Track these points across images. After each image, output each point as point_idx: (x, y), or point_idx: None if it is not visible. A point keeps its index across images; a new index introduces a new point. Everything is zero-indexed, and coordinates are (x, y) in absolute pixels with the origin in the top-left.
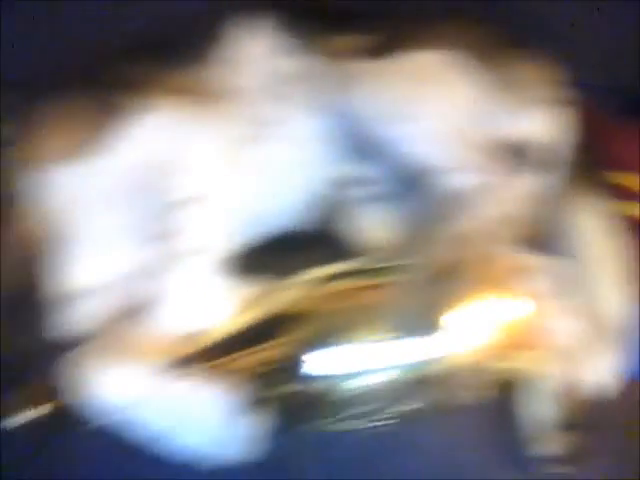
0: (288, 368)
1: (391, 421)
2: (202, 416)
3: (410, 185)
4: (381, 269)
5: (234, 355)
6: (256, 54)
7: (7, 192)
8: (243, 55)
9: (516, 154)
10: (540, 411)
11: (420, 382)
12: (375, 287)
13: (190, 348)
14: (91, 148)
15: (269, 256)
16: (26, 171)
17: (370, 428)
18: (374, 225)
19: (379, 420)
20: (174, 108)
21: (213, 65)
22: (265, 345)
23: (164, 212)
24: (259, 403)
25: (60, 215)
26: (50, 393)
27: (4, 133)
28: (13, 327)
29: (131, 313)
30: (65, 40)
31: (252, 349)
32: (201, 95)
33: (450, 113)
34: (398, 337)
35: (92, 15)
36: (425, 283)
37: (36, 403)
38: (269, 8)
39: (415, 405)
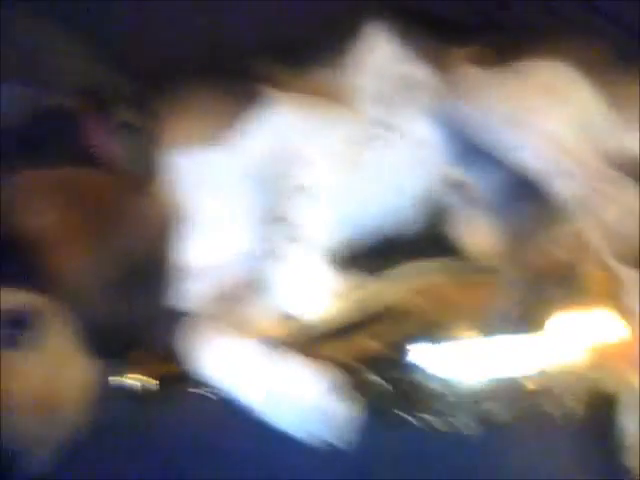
0: (384, 359)
1: (478, 424)
2: (299, 395)
3: (517, 191)
4: (482, 269)
5: (333, 341)
6: (378, 60)
7: (144, 170)
8: (367, 60)
9: (622, 169)
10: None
11: (513, 386)
12: (475, 286)
13: (292, 330)
14: (221, 136)
15: (373, 252)
16: (161, 153)
17: (456, 428)
18: (478, 228)
19: (467, 421)
20: (300, 104)
21: (339, 67)
22: (363, 334)
23: (280, 200)
24: (353, 389)
25: (187, 196)
26: (162, 359)
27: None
28: (137, 293)
29: (240, 292)
30: (208, 34)
31: (350, 337)
32: (326, 94)
33: (561, 123)
34: (495, 337)
35: (233, 12)
36: (526, 287)
37: (148, 367)
38: (393, 17)
39: (505, 410)
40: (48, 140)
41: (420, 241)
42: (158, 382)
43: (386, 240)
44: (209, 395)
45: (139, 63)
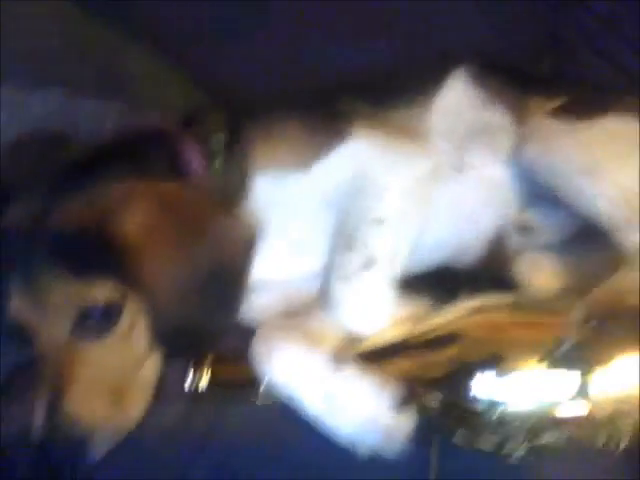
0: (442, 383)
1: (528, 454)
2: (359, 408)
3: (584, 236)
4: (544, 308)
5: (394, 361)
6: (457, 103)
7: (233, 191)
8: (446, 103)
9: None
10: None
11: (564, 420)
12: (536, 323)
13: (354, 347)
14: (305, 164)
15: (435, 283)
16: (249, 176)
17: (511, 455)
18: (542, 270)
19: (521, 449)
20: (380, 139)
21: (419, 108)
22: (424, 358)
23: (356, 228)
24: (408, 406)
25: (268, 215)
26: (228, 364)
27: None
28: (211, 302)
29: (307, 308)
30: (298, 71)
31: (411, 360)
32: (404, 132)
33: (634, 174)
34: (550, 372)
35: (322, 51)
36: (588, 327)
37: (213, 371)
38: (475, 65)
39: (556, 441)
40: (149, 156)
41: (481, 277)
42: (221, 386)
43: (449, 273)
44: (271, 403)
45: (232, 95)
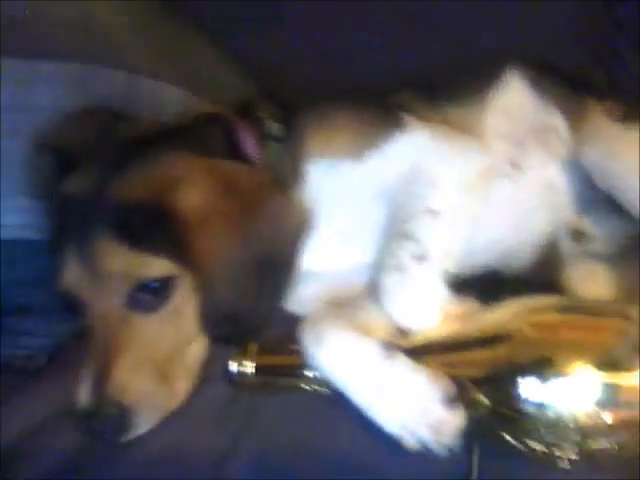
0: (491, 382)
1: (578, 460)
2: (409, 400)
3: (637, 248)
4: (594, 310)
5: (442, 356)
6: (515, 104)
7: (287, 177)
8: (504, 103)
9: None
10: None
11: (616, 425)
12: (585, 325)
13: (402, 340)
14: (359, 152)
15: (483, 286)
16: (303, 162)
17: (555, 460)
18: (592, 277)
19: (567, 454)
20: (437, 133)
21: (476, 107)
22: (473, 356)
23: (410, 219)
24: (459, 402)
25: (320, 203)
26: (273, 351)
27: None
28: (262, 285)
29: (355, 299)
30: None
31: (460, 356)
32: (460, 129)
33: None
34: (601, 375)
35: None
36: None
37: (260, 357)
38: (534, 68)
39: (608, 447)
40: (207, 138)
41: (530, 283)
42: (265, 374)
43: (497, 278)
44: (315, 391)
45: (284, 86)
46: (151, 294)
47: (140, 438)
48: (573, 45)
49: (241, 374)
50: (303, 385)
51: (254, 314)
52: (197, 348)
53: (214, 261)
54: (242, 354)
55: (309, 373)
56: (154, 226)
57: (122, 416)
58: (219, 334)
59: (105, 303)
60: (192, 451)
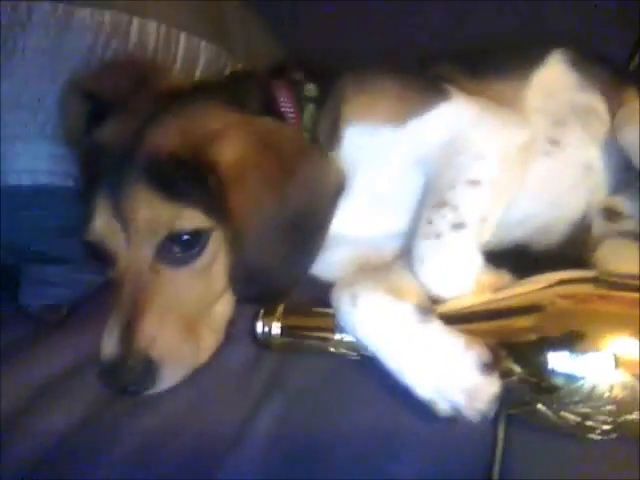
0: (525, 353)
1: (611, 432)
2: (443, 364)
3: None
4: (626, 283)
5: (471, 325)
6: (557, 85)
7: (324, 139)
8: (546, 83)
9: None
10: None
11: None
12: (621, 297)
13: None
14: (400, 119)
15: (515, 261)
16: (341, 126)
17: (587, 431)
18: (625, 256)
19: (599, 425)
20: (479, 104)
21: (518, 84)
22: (500, 324)
23: (448, 187)
24: (494, 369)
25: (357, 168)
26: (303, 313)
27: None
28: (294, 246)
29: (387, 266)
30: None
31: (494, 325)
32: (501, 103)
33: None
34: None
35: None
36: None
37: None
38: (576, 52)
39: None
40: (245, 95)
41: (561, 259)
42: (291, 335)
43: (528, 253)
44: (345, 354)
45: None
46: (182, 247)
47: (163, 394)
48: (609, 25)
49: (267, 334)
50: (331, 348)
51: (283, 276)
52: (224, 306)
53: (247, 217)
54: (269, 314)
55: (338, 336)
56: (189, 178)
57: (148, 368)
58: (247, 293)
59: (135, 253)
60: (215, 410)
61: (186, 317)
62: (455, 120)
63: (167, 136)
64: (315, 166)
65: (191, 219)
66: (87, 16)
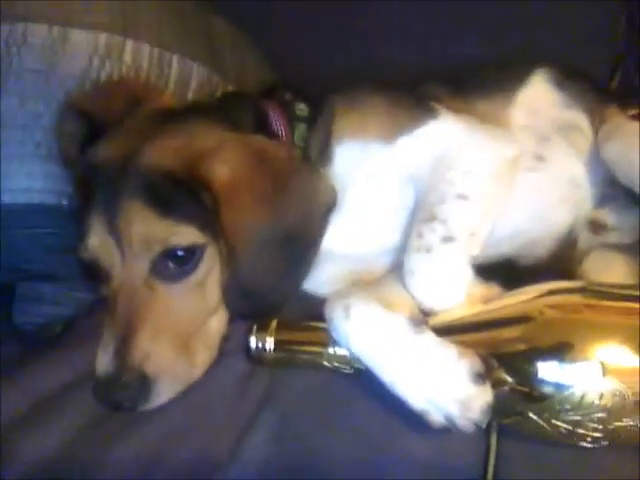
0: (515, 363)
1: (602, 439)
2: (436, 375)
3: None
4: (618, 292)
5: (461, 336)
6: (540, 102)
7: (315, 157)
8: (530, 100)
9: None
10: None
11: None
12: (611, 307)
13: (428, 317)
14: (388, 135)
15: (502, 271)
16: (332, 143)
17: (578, 439)
18: (610, 270)
19: (590, 433)
20: (465, 121)
21: (502, 102)
22: (489, 335)
23: (438, 202)
24: (486, 379)
25: (347, 184)
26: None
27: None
28: (286, 263)
29: (380, 279)
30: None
31: (484, 336)
32: (487, 121)
33: None
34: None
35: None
36: None
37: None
38: (558, 70)
39: (632, 428)
40: (238, 114)
41: (548, 274)
42: (284, 350)
43: (513, 264)
44: (339, 368)
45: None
46: (176, 263)
47: (158, 409)
48: (590, 44)
49: (261, 350)
50: (324, 362)
51: (276, 291)
52: (218, 322)
53: (241, 234)
54: (262, 329)
55: (331, 350)
56: (184, 195)
57: (143, 384)
58: (240, 309)
59: (129, 269)
60: (209, 426)
61: (180, 333)
62: (443, 137)
63: (162, 154)
64: (307, 183)
65: (186, 235)
66: (82, 38)
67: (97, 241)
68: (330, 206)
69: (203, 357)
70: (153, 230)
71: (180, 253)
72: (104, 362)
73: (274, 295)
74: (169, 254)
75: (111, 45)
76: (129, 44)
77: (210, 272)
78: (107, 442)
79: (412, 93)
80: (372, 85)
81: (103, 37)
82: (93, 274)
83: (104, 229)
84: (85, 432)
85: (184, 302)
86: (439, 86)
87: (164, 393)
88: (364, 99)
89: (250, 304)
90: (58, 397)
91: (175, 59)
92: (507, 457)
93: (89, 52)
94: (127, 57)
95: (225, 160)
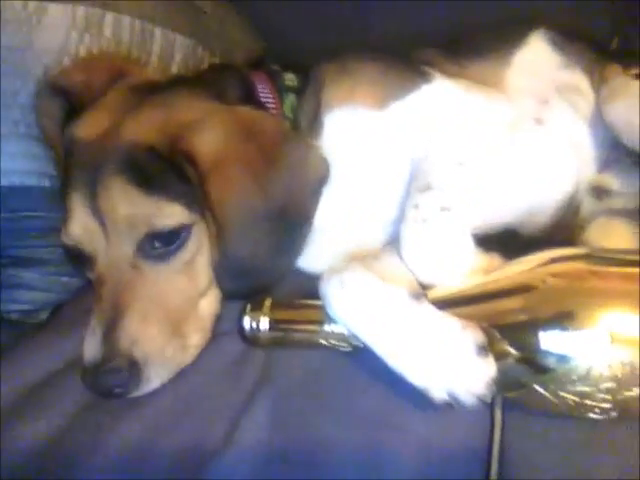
0: (517, 334)
1: (611, 410)
2: (437, 350)
3: None
4: (618, 258)
5: (462, 308)
6: (539, 64)
7: (305, 126)
8: (528, 62)
9: None
10: None
11: None
12: (615, 273)
13: (427, 290)
14: (381, 103)
15: (504, 241)
16: (322, 113)
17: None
18: (614, 236)
19: (598, 404)
20: (460, 85)
21: (500, 64)
22: (498, 307)
23: (433, 170)
24: (489, 351)
25: (339, 154)
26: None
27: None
28: (278, 237)
29: (377, 253)
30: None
31: (485, 307)
32: (484, 84)
33: None
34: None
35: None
36: None
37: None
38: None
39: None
40: (225, 86)
41: (552, 241)
42: (279, 330)
43: (515, 233)
44: (336, 346)
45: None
46: (163, 242)
47: (151, 394)
48: (590, 7)
49: (255, 330)
50: (321, 340)
51: (269, 269)
52: (210, 302)
53: (229, 209)
54: (256, 309)
55: (327, 327)
56: (168, 170)
57: (132, 369)
58: (232, 288)
59: (115, 252)
60: (204, 409)
61: (170, 315)
62: (437, 101)
63: (144, 129)
64: (298, 154)
65: (172, 215)
66: (59, 12)
67: (79, 224)
68: (322, 178)
69: (195, 339)
70: (137, 209)
71: (166, 233)
72: (92, 348)
73: (267, 273)
74: (155, 234)
75: (90, 18)
76: (109, 17)
77: (199, 251)
78: (98, 429)
79: (405, 59)
80: (363, 53)
81: (81, 10)
82: (78, 258)
83: (86, 211)
84: (75, 419)
85: (172, 283)
86: (436, 51)
87: (155, 378)
88: (354, 66)
89: (242, 283)
90: (46, 385)
91: (157, 31)
92: (513, 431)
93: (66, 25)
94: (107, 30)
95: (209, 132)
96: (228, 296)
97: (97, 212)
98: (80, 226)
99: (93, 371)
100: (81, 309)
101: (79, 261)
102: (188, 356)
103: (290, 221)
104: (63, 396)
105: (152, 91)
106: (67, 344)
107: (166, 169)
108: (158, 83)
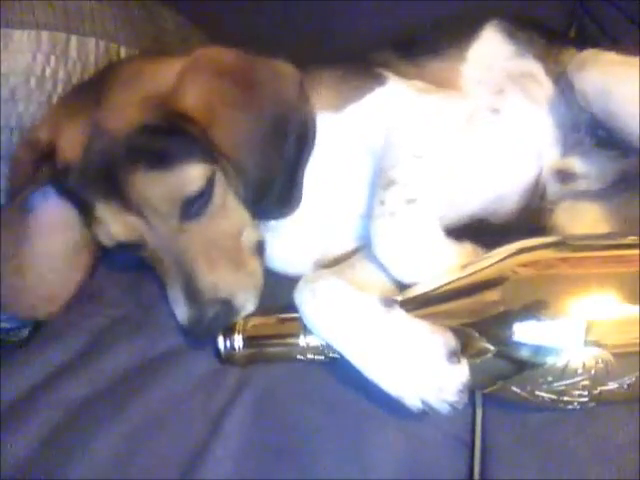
0: (492, 329)
1: (588, 402)
2: (410, 356)
3: (625, 183)
4: (586, 245)
5: (441, 305)
6: (491, 54)
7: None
8: (480, 54)
9: None
10: None
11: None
12: (588, 257)
13: (403, 292)
14: (338, 104)
15: (473, 236)
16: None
17: (565, 404)
18: (582, 219)
19: (575, 399)
20: (417, 82)
21: (453, 58)
22: (470, 303)
23: (397, 166)
24: (462, 355)
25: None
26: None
27: None
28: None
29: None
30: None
31: (458, 304)
32: (438, 80)
33: None
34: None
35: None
36: None
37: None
38: (508, 21)
39: (619, 389)
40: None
41: (519, 230)
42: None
43: (483, 223)
44: (313, 360)
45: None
46: (198, 200)
47: (134, 398)
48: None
49: (229, 349)
50: (298, 355)
51: (286, 179)
52: (250, 231)
53: (236, 145)
54: (229, 328)
55: (303, 340)
56: (169, 138)
57: (227, 307)
58: (264, 210)
59: (163, 229)
60: (185, 411)
61: (227, 254)
62: (391, 102)
63: (126, 114)
64: (268, 72)
65: (197, 176)
66: (24, 37)
67: (119, 226)
68: (298, 82)
69: (253, 264)
70: (167, 187)
71: (199, 192)
72: (185, 311)
73: (286, 183)
74: (190, 199)
75: (55, 41)
76: (73, 39)
77: (225, 191)
78: (81, 436)
79: (365, 62)
80: (323, 60)
81: (46, 34)
82: (124, 248)
83: (119, 213)
84: (59, 429)
85: (217, 227)
86: (392, 52)
87: (247, 304)
88: (313, 72)
89: (269, 201)
90: (27, 400)
91: (123, 51)
92: (495, 431)
93: (32, 50)
94: (72, 52)
95: (191, 87)
96: (264, 218)
97: (130, 208)
98: (120, 227)
99: (198, 327)
100: (63, 325)
101: (126, 249)
102: (258, 278)
103: (287, 132)
104: (46, 409)
105: (96, 84)
106: (49, 359)
107: (166, 138)
108: (90, 79)
